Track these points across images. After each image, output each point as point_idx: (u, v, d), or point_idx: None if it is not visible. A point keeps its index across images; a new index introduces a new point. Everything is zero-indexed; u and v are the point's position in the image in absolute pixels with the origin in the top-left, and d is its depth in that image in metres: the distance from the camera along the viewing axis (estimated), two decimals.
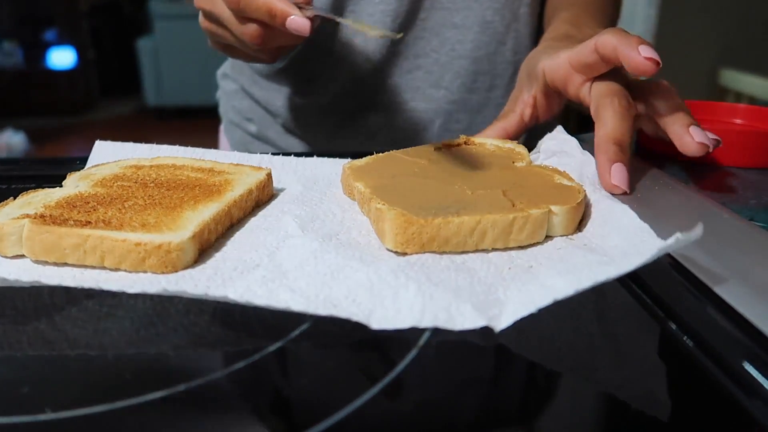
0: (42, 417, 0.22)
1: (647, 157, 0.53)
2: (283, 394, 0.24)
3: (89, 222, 0.32)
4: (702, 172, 0.49)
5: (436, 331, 0.26)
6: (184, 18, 3.59)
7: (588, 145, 0.44)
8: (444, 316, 0.26)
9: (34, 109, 3.83)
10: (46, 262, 0.32)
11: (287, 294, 0.28)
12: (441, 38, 0.63)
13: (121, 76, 4.29)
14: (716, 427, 0.22)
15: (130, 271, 0.31)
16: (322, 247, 0.32)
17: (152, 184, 0.39)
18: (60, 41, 3.94)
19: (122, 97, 4.30)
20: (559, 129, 0.47)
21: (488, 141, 0.48)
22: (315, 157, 0.49)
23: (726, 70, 1.98)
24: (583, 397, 0.24)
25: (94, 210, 0.34)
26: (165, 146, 0.47)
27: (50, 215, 0.33)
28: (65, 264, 0.31)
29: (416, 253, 0.32)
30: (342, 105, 0.65)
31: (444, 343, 0.26)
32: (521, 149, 0.46)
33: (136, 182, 0.39)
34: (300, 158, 0.48)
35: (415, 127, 0.66)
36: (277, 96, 0.67)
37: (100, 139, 0.48)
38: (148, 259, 0.30)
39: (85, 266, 0.31)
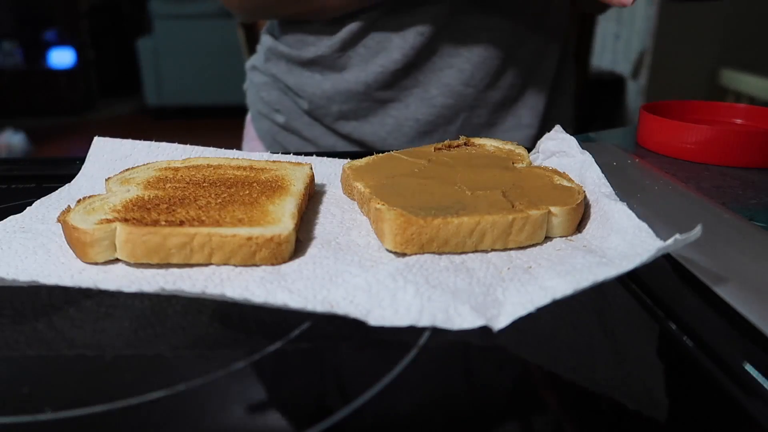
0: (42, 417, 0.22)
1: (647, 157, 0.53)
2: (283, 394, 0.24)
3: (183, 221, 0.32)
4: (702, 172, 0.49)
5: (436, 331, 0.26)
6: (184, 18, 3.59)
7: (588, 146, 0.44)
8: (442, 317, 0.26)
9: (34, 109, 3.82)
10: (117, 261, 0.31)
11: (285, 294, 0.28)
12: (474, 38, 0.65)
13: (121, 76, 4.29)
14: (716, 427, 0.22)
15: (237, 266, 0.31)
16: (321, 252, 0.32)
17: (206, 184, 0.39)
18: (60, 41, 3.94)
19: (122, 97, 4.30)
20: (558, 129, 0.47)
21: (488, 142, 0.48)
22: (315, 156, 0.49)
23: (726, 70, 1.98)
24: (583, 397, 0.24)
25: (174, 211, 0.34)
26: (164, 144, 0.48)
27: (133, 218, 0.32)
28: (152, 265, 0.31)
29: (415, 253, 0.32)
30: (373, 95, 0.68)
31: (444, 344, 0.26)
32: (521, 150, 0.46)
33: (188, 183, 0.39)
34: (299, 158, 0.48)
35: (441, 120, 0.68)
36: (310, 83, 0.69)
37: None
38: (259, 253, 0.31)
39: (191, 265, 0.31)
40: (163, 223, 0.32)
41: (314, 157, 0.49)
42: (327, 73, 0.68)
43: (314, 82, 0.69)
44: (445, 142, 0.48)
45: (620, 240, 0.32)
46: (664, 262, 0.31)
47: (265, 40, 0.75)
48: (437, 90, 0.67)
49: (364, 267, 0.31)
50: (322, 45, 0.67)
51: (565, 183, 0.39)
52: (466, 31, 0.65)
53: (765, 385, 0.23)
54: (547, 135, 0.47)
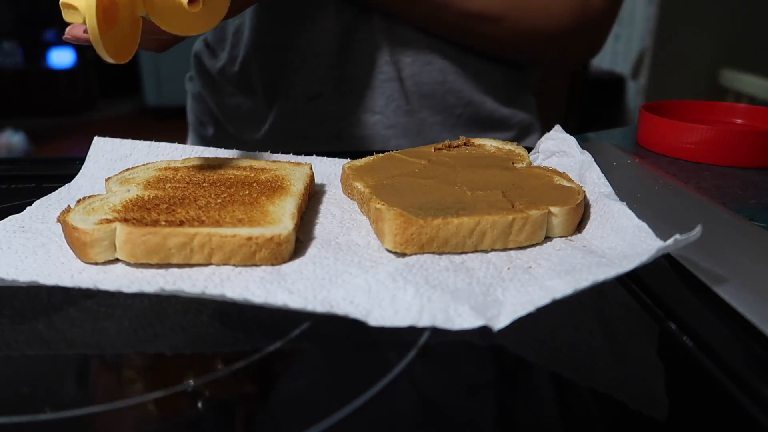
0: (42, 417, 0.22)
1: (647, 157, 0.53)
2: (283, 394, 0.24)
3: (183, 221, 0.32)
4: (702, 172, 0.49)
5: (436, 332, 0.26)
6: None
7: (588, 146, 0.44)
8: (442, 317, 0.26)
9: (34, 109, 3.82)
10: (116, 261, 0.31)
11: (285, 294, 0.28)
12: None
13: (121, 76, 4.28)
14: (716, 427, 0.22)
15: (237, 266, 0.31)
16: (321, 252, 0.32)
17: (206, 184, 0.39)
18: (60, 41, 3.93)
19: (122, 97, 4.29)
20: (557, 128, 0.47)
21: (488, 142, 0.48)
22: (315, 156, 0.49)
23: (726, 70, 1.99)
24: (583, 397, 0.24)
25: (174, 211, 0.34)
26: (164, 144, 0.48)
27: (133, 218, 0.32)
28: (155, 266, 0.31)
29: (415, 253, 0.32)
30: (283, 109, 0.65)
31: (443, 344, 0.26)
32: (521, 150, 0.46)
33: (188, 183, 0.39)
34: (299, 158, 0.48)
35: (358, 140, 0.65)
36: (223, 95, 0.67)
37: None
38: (259, 253, 0.31)
39: (191, 265, 0.31)
40: (163, 223, 0.32)
41: (314, 157, 0.49)
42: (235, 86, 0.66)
43: (225, 95, 0.67)
44: (445, 142, 0.48)
45: (620, 240, 0.32)
46: (664, 262, 0.31)
47: (196, 46, 0.72)
48: (346, 119, 0.64)
49: (364, 267, 0.31)
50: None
51: (565, 183, 0.39)
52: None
53: (765, 386, 0.23)
54: (546, 135, 0.47)
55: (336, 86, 0.62)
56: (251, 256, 0.31)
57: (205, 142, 0.72)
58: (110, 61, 0.34)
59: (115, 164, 0.46)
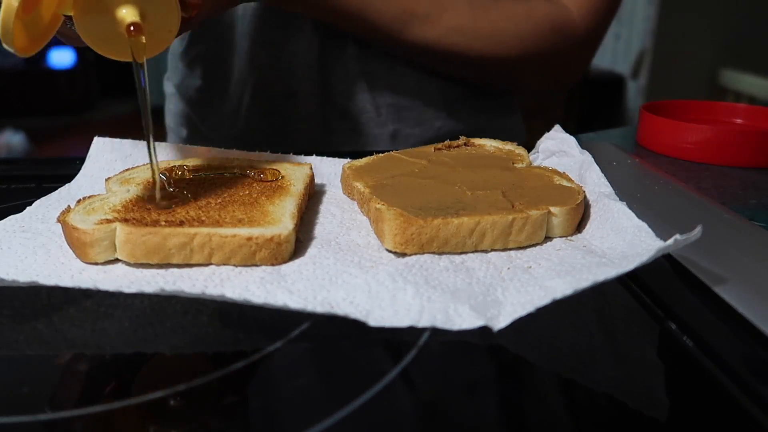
0: (42, 417, 0.22)
1: (647, 157, 0.53)
2: (282, 394, 0.24)
3: (183, 221, 0.32)
4: (702, 172, 0.49)
5: (436, 332, 0.26)
6: None
7: (588, 145, 0.44)
8: (442, 317, 0.26)
9: (34, 109, 3.82)
10: (116, 261, 0.31)
11: (285, 295, 0.28)
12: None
13: (121, 76, 4.28)
14: (716, 427, 0.22)
15: (237, 266, 0.31)
16: (321, 252, 0.32)
17: (207, 184, 0.39)
18: (60, 41, 3.93)
19: (122, 97, 4.29)
20: (557, 128, 0.47)
21: (488, 142, 0.48)
22: (315, 156, 0.49)
23: (726, 70, 1.99)
24: (583, 397, 0.24)
25: (174, 211, 0.34)
26: (164, 144, 0.48)
27: (133, 218, 0.32)
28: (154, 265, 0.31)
29: (415, 253, 0.32)
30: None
31: (444, 344, 0.26)
32: (521, 150, 0.46)
33: (188, 183, 0.39)
34: (299, 158, 0.48)
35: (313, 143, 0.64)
36: (193, 81, 0.67)
37: None
38: (258, 253, 0.31)
39: (191, 265, 0.31)
40: (163, 223, 0.32)
41: (314, 157, 0.49)
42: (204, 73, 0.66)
43: (197, 80, 0.67)
44: (445, 142, 0.48)
45: (620, 240, 0.32)
46: (664, 262, 0.31)
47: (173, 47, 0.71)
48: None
49: (364, 267, 0.31)
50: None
51: (565, 183, 0.39)
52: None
53: (765, 386, 0.23)
54: (546, 134, 0.47)
55: (314, 89, 0.62)
56: (251, 256, 0.31)
57: (181, 144, 0.71)
58: (11, 49, 0.30)
59: (115, 164, 0.46)
